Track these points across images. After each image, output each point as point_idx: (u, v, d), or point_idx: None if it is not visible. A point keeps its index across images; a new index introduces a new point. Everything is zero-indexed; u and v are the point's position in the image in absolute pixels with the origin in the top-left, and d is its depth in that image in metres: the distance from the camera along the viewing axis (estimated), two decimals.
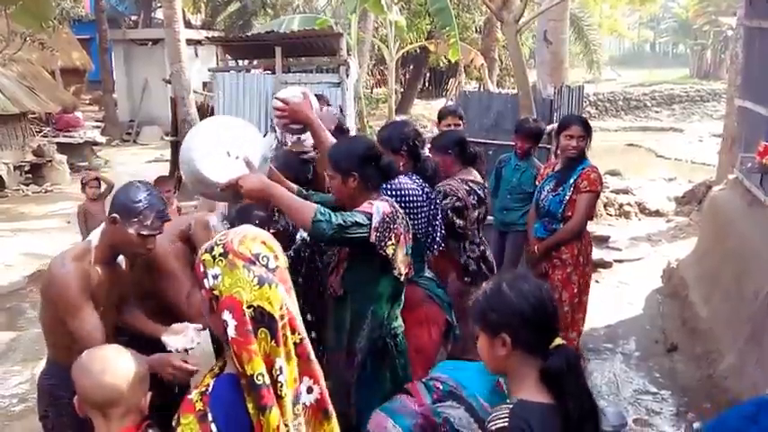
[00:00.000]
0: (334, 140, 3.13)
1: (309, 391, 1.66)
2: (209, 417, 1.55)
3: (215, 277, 1.56)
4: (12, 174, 12.38)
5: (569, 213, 4.15)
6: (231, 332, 1.51)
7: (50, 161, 13.13)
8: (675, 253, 7.39)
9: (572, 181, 4.15)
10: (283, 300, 1.58)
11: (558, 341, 1.71)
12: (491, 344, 1.73)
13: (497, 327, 1.71)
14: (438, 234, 3.25)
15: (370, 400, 2.74)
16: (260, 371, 1.51)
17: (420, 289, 3.24)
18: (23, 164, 12.83)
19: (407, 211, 2.95)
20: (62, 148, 13.97)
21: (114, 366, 1.74)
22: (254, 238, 1.63)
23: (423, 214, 3.12)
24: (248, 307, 1.53)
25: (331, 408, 1.72)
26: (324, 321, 3.14)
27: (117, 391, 1.71)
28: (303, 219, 2.57)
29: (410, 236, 2.85)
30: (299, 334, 1.62)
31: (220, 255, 1.58)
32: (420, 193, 3.10)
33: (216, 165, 2.58)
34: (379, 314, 2.80)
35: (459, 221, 3.70)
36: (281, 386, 1.55)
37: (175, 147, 10.83)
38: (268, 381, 1.52)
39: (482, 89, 16.37)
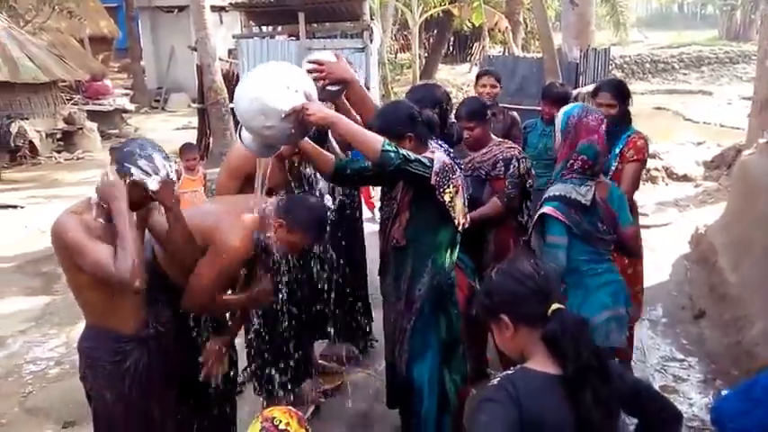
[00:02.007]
0: (372, 99, 3.17)
1: None
2: None
3: None
4: (44, 141, 12.59)
5: (616, 185, 4.05)
6: None
7: (81, 129, 13.31)
8: (704, 218, 7.30)
9: (618, 150, 3.94)
10: None
11: (555, 306, 1.71)
12: (498, 330, 1.79)
13: (495, 311, 1.77)
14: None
15: (423, 348, 2.83)
16: None
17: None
18: (55, 131, 13.03)
19: None
20: (92, 115, 14.13)
21: None
22: None
23: None
24: None
25: None
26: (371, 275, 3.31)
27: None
28: (372, 147, 2.62)
29: (465, 190, 2.95)
30: None
31: None
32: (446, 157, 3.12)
33: (278, 95, 2.54)
34: (438, 262, 2.91)
35: (530, 180, 3.84)
36: None
37: (202, 114, 10.90)
38: None
39: (507, 53, 16.15)
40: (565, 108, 3.21)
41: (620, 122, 4.02)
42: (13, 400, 4.32)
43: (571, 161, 3.03)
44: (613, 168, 3.97)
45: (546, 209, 2.97)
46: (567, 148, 3.06)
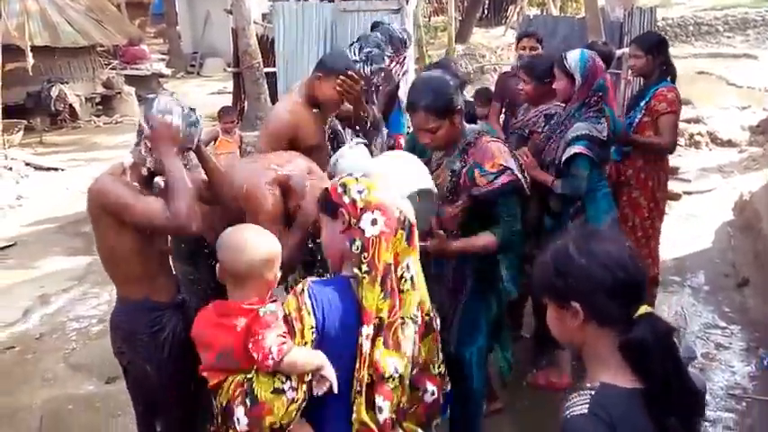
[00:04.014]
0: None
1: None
2: (306, 293, 1.78)
3: (360, 191, 1.83)
4: (84, 105, 12.79)
5: (644, 137, 4.01)
6: (379, 227, 1.79)
7: (119, 93, 13.47)
8: (748, 184, 7.11)
9: (643, 103, 3.98)
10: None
11: (645, 309, 1.43)
12: (560, 315, 1.49)
13: (566, 295, 1.45)
14: None
15: (472, 330, 2.78)
16: (389, 261, 1.80)
17: None
18: (94, 95, 13.22)
19: None
20: (130, 80, 14.29)
21: (250, 244, 1.96)
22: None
23: None
24: (397, 209, 1.84)
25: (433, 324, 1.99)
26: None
27: (251, 266, 1.94)
28: (491, 249, 2.66)
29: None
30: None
31: (362, 176, 1.88)
32: None
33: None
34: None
35: None
36: (405, 281, 1.84)
37: (237, 78, 10.89)
38: (405, 273, 1.83)
39: (545, 14, 15.76)
40: (576, 54, 3.43)
41: (649, 75, 4.04)
42: (57, 356, 4.45)
43: (587, 99, 3.37)
44: (637, 120, 3.99)
45: (577, 148, 3.28)
46: (587, 88, 3.37)
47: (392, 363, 1.79)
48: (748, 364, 4.06)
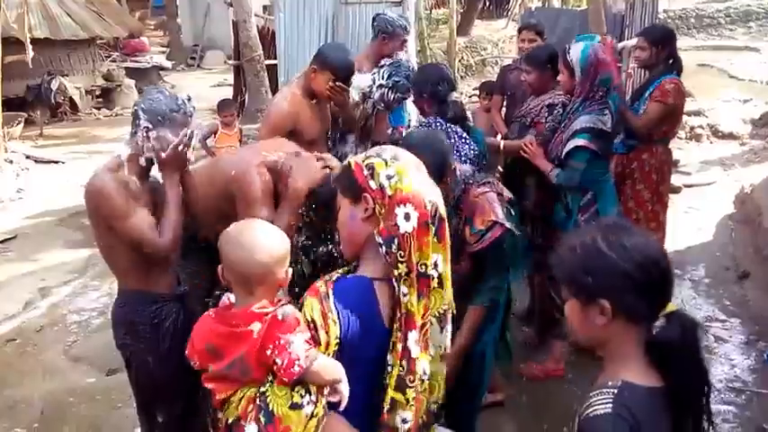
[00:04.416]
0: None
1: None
2: (332, 299, 1.61)
3: (389, 177, 1.61)
4: (84, 98, 12.77)
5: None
6: (413, 223, 1.59)
7: (120, 86, 13.44)
8: (749, 177, 7.11)
9: (647, 94, 3.99)
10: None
11: (672, 307, 1.41)
12: (585, 311, 1.42)
13: (594, 292, 1.39)
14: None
15: (487, 321, 2.77)
16: (426, 261, 1.61)
17: None
18: (94, 88, 13.19)
19: None
20: (130, 72, 14.25)
21: (261, 243, 1.77)
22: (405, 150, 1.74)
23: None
24: (429, 201, 1.62)
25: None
26: None
27: (261, 266, 1.74)
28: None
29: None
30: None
31: (392, 158, 1.64)
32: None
33: None
34: None
35: None
36: (433, 278, 1.64)
37: (238, 71, 10.87)
38: (430, 271, 1.63)
39: (546, 6, 15.71)
40: (578, 47, 3.40)
41: (653, 68, 4.05)
42: (58, 348, 4.46)
43: (592, 93, 3.36)
44: (641, 112, 4.01)
45: (579, 141, 3.32)
46: (589, 83, 3.35)
47: (422, 365, 1.66)
48: (748, 357, 4.07)
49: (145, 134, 2.37)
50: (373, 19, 4.44)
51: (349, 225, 1.70)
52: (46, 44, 11.93)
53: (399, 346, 1.62)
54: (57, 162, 9.37)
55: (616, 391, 1.36)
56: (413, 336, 1.62)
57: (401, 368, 1.62)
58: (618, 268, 1.36)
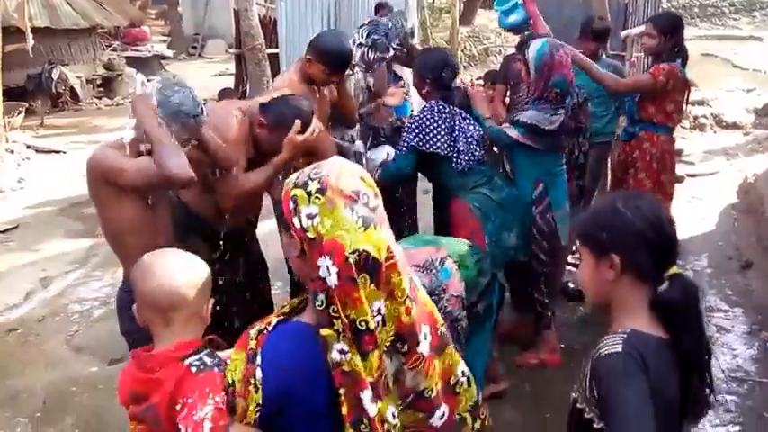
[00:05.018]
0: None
1: (425, 337, 1.49)
2: (258, 359, 1.43)
3: (310, 217, 1.37)
4: (85, 87, 12.75)
5: (643, 115, 4.01)
6: (333, 279, 1.35)
7: (121, 75, 13.41)
8: (753, 167, 7.07)
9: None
10: (387, 241, 1.42)
11: (675, 269, 1.50)
12: (596, 265, 1.53)
13: (607, 246, 1.50)
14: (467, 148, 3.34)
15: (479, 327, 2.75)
16: (364, 317, 1.37)
17: (468, 204, 3.36)
18: (95, 77, 13.17)
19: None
20: (131, 61, 14.22)
21: (177, 268, 1.63)
22: (352, 174, 1.43)
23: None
24: (352, 252, 1.35)
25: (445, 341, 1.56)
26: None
27: (179, 294, 1.59)
28: None
29: None
30: (400, 274, 1.43)
31: (317, 191, 1.37)
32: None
33: None
34: None
35: (582, 117, 4.01)
36: (378, 326, 1.40)
37: (239, 60, 10.82)
38: (372, 325, 1.38)
39: None
40: (536, 45, 3.36)
41: (659, 55, 3.99)
42: (59, 338, 4.46)
43: (546, 94, 3.35)
44: (638, 97, 4.02)
45: (513, 133, 3.37)
46: (543, 83, 3.33)
47: (388, 413, 1.44)
48: (751, 346, 4.05)
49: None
50: (377, 8, 4.42)
51: (291, 259, 1.50)
52: (46, 33, 11.90)
53: (353, 411, 1.40)
54: (58, 152, 9.36)
55: (625, 335, 1.46)
56: (366, 395, 1.39)
57: (364, 425, 1.41)
58: (631, 226, 1.48)
